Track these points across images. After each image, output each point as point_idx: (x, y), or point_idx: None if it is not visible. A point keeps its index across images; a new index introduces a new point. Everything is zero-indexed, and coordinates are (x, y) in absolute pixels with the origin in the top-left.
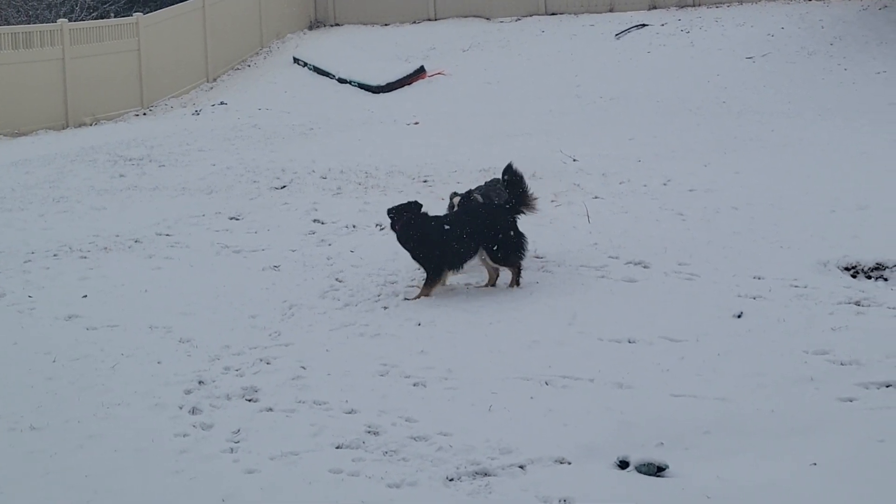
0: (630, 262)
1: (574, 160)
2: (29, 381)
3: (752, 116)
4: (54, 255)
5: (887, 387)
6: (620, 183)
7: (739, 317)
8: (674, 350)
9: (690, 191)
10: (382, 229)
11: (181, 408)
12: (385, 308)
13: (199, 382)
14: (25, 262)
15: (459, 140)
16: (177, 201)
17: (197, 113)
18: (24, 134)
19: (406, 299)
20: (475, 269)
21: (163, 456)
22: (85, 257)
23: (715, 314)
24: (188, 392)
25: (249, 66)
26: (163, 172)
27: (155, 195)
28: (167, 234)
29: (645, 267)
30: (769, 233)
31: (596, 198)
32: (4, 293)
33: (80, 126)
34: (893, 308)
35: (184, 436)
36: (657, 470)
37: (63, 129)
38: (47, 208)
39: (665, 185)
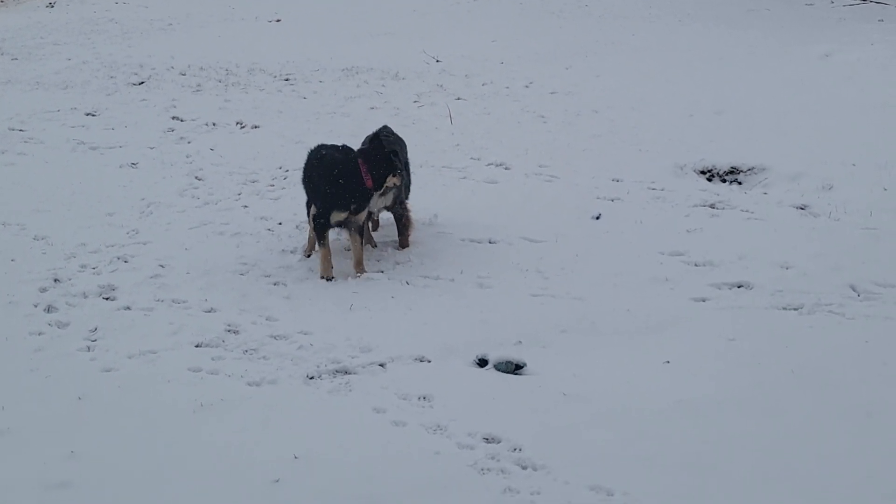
0: (491, 164)
1: (437, 61)
2: None
3: (613, 20)
4: None
5: (739, 287)
6: (483, 85)
7: (598, 218)
8: (533, 250)
9: (552, 93)
10: (243, 128)
11: (36, 306)
12: (245, 207)
13: (55, 280)
14: None
15: (322, 38)
16: (30, 96)
17: (51, 5)
18: None
19: None
20: None
21: (17, 355)
22: None
23: (574, 215)
24: (43, 290)
25: None
26: (15, 66)
27: (7, 89)
28: (20, 130)
29: (506, 168)
30: (628, 136)
31: (458, 99)
32: None
33: None
34: (746, 211)
35: (39, 334)
36: (515, 368)
37: None
38: None
39: (527, 87)
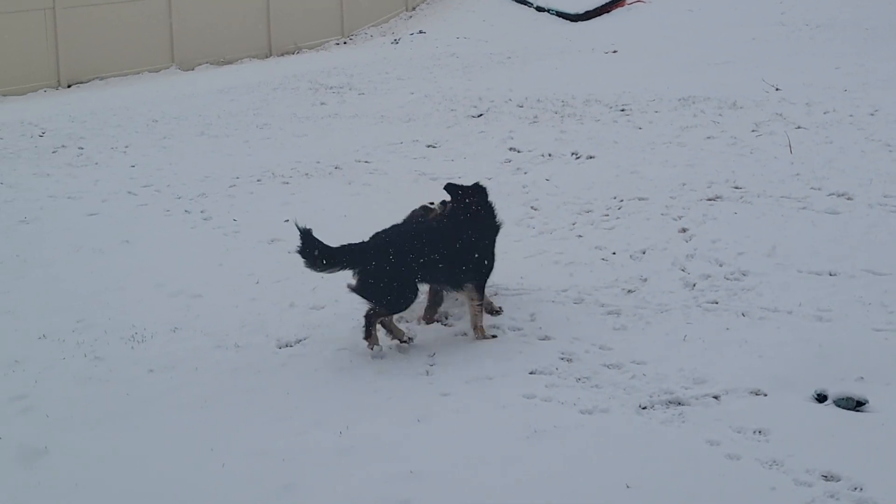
0: (833, 194)
1: (777, 89)
2: (233, 302)
3: None
4: (258, 181)
5: None
6: (825, 113)
7: None
8: (877, 283)
9: None
10: (578, 158)
11: (379, 331)
12: (580, 237)
13: None
14: (230, 186)
15: (658, 69)
16: (375, 129)
17: (396, 42)
18: (230, 62)
19: None
20: None
21: (361, 376)
22: (287, 183)
23: None
24: None
25: None
26: (362, 100)
27: (354, 123)
28: (366, 161)
29: (849, 199)
30: None
31: (799, 128)
32: (211, 216)
33: (282, 55)
34: None
35: (381, 358)
36: (856, 404)
37: (266, 57)
38: (251, 135)
39: (872, 115)
